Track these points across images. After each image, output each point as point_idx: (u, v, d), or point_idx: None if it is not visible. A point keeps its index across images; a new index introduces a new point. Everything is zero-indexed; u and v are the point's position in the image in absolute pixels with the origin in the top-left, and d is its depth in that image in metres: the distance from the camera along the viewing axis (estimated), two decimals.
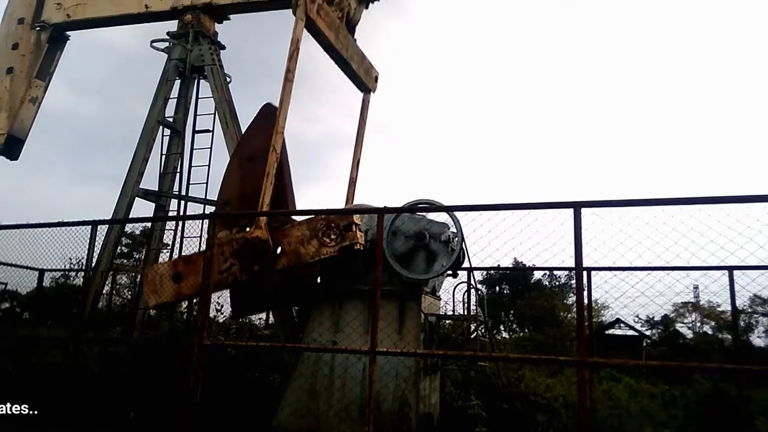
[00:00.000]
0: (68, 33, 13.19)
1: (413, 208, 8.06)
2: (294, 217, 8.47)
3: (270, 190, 8.11)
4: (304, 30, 8.80)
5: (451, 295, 9.22)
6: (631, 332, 24.34)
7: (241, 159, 9.18)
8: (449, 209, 7.66)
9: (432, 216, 8.23)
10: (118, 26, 12.58)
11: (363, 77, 11.18)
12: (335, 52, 10.02)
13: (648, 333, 26.77)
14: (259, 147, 8.83)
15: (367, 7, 10.54)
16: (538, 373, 11.84)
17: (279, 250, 8.03)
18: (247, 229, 8.18)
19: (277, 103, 8.57)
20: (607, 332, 23.48)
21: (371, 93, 11.84)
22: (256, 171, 8.53)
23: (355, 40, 10.62)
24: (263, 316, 12.88)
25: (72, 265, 15.82)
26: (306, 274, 8.51)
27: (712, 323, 26.48)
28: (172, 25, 11.94)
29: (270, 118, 8.91)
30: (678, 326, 27.89)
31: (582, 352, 5.52)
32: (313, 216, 7.96)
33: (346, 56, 10.28)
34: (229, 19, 12.04)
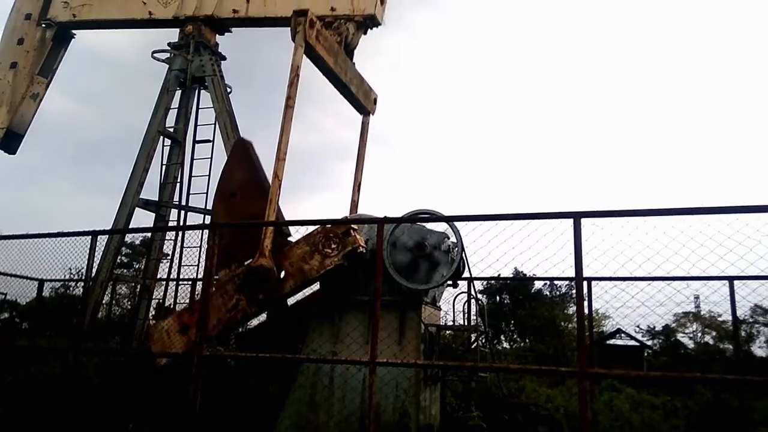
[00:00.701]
0: (74, 32, 13.30)
1: (413, 218, 8.06)
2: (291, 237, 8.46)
3: (273, 216, 8.03)
4: (303, 55, 8.79)
5: (452, 306, 9.20)
6: (632, 342, 24.27)
7: (224, 196, 9.05)
8: (449, 219, 7.66)
9: (432, 226, 8.22)
10: (121, 29, 12.79)
11: (362, 100, 11.15)
12: (334, 76, 10.01)
13: (649, 343, 26.67)
14: (238, 182, 8.83)
15: (365, 33, 10.47)
16: (539, 383, 11.80)
17: (282, 273, 7.95)
18: (246, 263, 8.10)
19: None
20: (608, 342, 23.41)
21: (371, 115, 11.78)
22: (240, 207, 8.55)
23: (354, 63, 10.60)
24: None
25: (72, 275, 15.81)
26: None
27: (714, 333, 26.38)
28: (173, 36, 12.03)
29: (245, 151, 8.96)
30: (679, 336, 27.79)
31: (583, 362, 5.50)
32: (310, 232, 7.91)
33: (345, 80, 10.28)
34: (230, 31, 12.14)
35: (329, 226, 7.81)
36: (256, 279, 7.81)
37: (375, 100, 11.70)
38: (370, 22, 10.28)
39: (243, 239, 8.37)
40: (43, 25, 12.89)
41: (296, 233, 8.29)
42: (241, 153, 9.25)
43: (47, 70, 13.23)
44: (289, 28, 8.79)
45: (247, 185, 8.83)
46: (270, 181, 8.36)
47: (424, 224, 8.23)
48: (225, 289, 8.00)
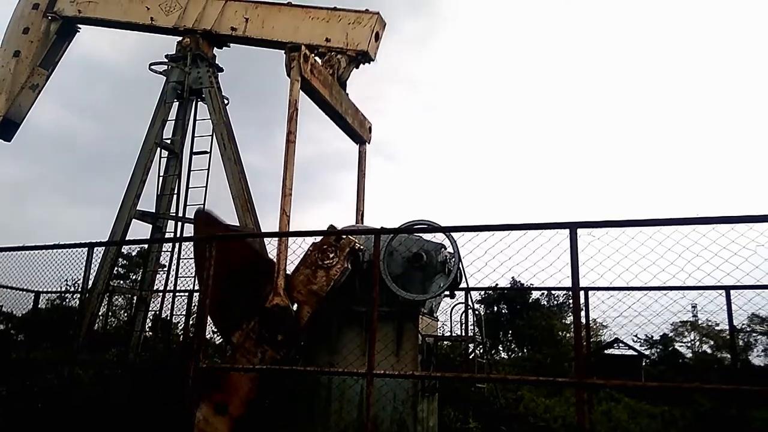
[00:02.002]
0: (79, 26, 13.38)
1: (410, 228, 8.07)
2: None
3: (285, 260, 7.78)
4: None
5: (449, 316, 9.20)
6: (630, 352, 24.27)
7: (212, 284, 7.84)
8: (446, 230, 7.66)
9: (429, 236, 8.23)
10: (123, 30, 12.85)
11: (358, 129, 11.13)
12: (330, 108, 9.99)
13: (647, 352, 26.67)
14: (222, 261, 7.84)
15: (357, 67, 10.46)
16: (537, 393, 11.77)
17: (294, 306, 7.76)
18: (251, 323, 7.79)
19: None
20: (606, 352, 23.40)
21: (367, 144, 11.75)
22: (229, 285, 7.96)
23: (347, 94, 10.63)
24: None
25: (68, 287, 15.76)
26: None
27: (711, 342, 26.39)
28: (171, 46, 12.08)
29: (210, 222, 8.66)
30: (677, 345, 27.80)
31: (580, 373, 5.50)
32: (304, 254, 7.82)
33: (341, 111, 10.27)
34: (228, 46, 12.17)
35: (320, 241, 7.76)
36: (273, 322, 7.50)
37: (370, 129, 11.68)
38: (362, 57, 10.29)
39: (241, 286, 7.98)
40: (49, 18, 12.97)
41: (297, 246, 8.21)
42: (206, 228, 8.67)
43: (48, 62, 13.28)
44: (283, 51, 8.80)
45: (227, 264, 7.96)
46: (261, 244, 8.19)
47: (421, 235, 8.24)
48: (245, 349, 7.62)
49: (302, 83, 8.71)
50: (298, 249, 8.03)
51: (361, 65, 10.53)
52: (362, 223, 11.08)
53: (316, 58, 9.62)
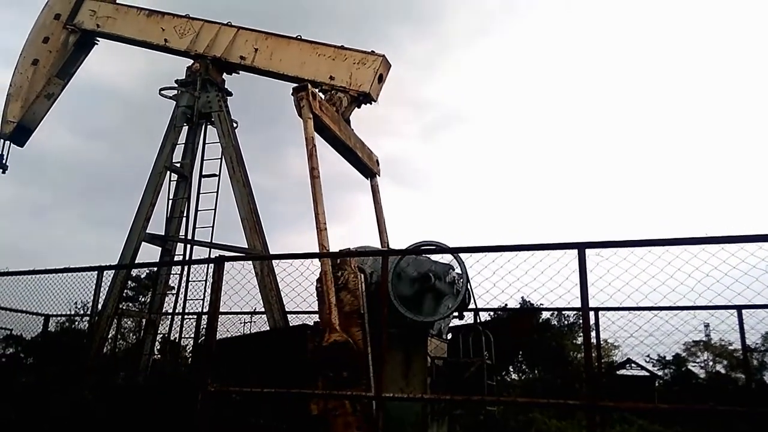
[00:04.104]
0: (97, 39, 13.69)
1: (418, 249, 8.08)
2: None
3: (332, 293, 7.58)
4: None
5: (458, 338, 9.13)
6: (642, 372, 23.95)
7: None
8: (454, 251, 7.67)
9: (436, 257, 8.23)
10: (137, 48, 13.16)
11: (368, 162, 11.25)
12: (341, 143, 10.11)
13: (660, 373, 26.29)
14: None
15: (359, 107, 10.59)
16: (548, 415, 11.62)
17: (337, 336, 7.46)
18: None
19: None
20: (618, 372, 23.10)
21: (377, 176, 11.83)
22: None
23: (352, 129, 10.71)
24: None
25: (77, 310, 15.80)
26: None
27: (725, 362, 25.99)
28: (179, 73, 12.27)
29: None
30: (690, 365, 27.39)
31: (592, 395, 5.45)
32: (318, 295, 7.73)
33: (351, 145, 10.42)
34: (238, 73, 12.34)
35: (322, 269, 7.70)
36: (336, 360, 7.15)
37: (378, 161, 11.77)
38: (363, 98, 10.40)
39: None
40: (69, 29, 13.28)
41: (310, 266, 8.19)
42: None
43: (65, 73, 13.56)
44: (290, 83, 8.94)
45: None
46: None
47: (429, 256, 8.24)
48: (334, 413, 7.12)
49: (313, 120, 8.83)
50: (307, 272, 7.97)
51: (363, 105, 10.61)
52: None
53: (320, 95, 9.72)
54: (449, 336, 9.07)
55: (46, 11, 13.52)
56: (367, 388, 6.99)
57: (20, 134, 13.35)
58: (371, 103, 10.53)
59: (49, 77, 13.22)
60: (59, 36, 13.27)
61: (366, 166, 11.32)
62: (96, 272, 9.38)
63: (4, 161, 13.52)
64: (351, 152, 10.60)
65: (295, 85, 9.21)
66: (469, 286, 7.82)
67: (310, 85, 8.98)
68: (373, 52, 10.54)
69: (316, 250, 8.00)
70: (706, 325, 11.59)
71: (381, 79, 10.53)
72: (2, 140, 13.44)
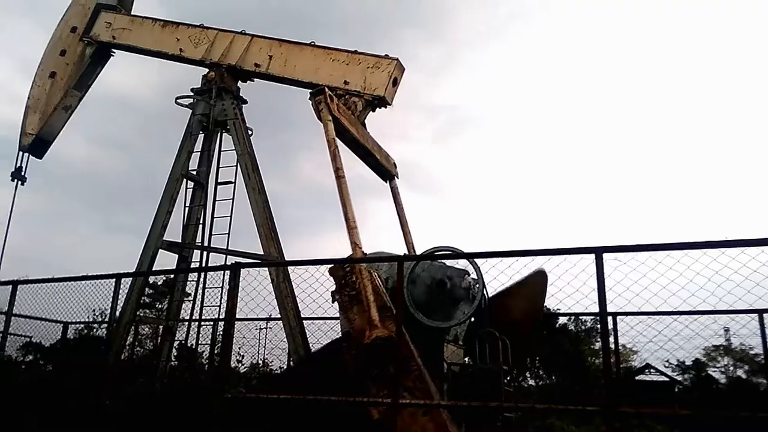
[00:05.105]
0: (113, 51, 13.90)
1: (433, 255, 8.06)
2: None
3: (370, 290, 7.55)
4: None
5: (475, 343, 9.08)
6: (662, 378, 23.63)
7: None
8: (469, 256, 7.63)
9: (451, 263, 8.20)
10: (153, 58, 13.35)
11: (386, 165, 11.31)
12: (360, 145, 10.17)
13: (679, 378, 25.93)
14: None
15: (373, 110, 10.64)
16: (567, 421, 11.51)
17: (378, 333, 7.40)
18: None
19: None
20: (637, 378, 22.81)
21: (396, 179, 11.85)
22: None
23: (369, 133, 10.77)
24: (284, 364, 12.83)
25: (95, 317, 15.96)
26: None
27: (746, 367, 25.58)
28: (194, 82, 12.41)
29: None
30: (710, 371, 26.99)
31: (610, 401, 5.39)
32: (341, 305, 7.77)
33: (369, 147, 10.49)
34: (252, 81, 12.45)
35: (336, 284, 7.68)
36: (380, 357, 7.03)
37: (395, 164, 11.80)
38: (378, 102, 10.46)
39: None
40: (85, 42, 13.49)
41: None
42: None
43: (82, 85, 13.78)
44: (305, 89, 8.98)
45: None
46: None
47: (444, 261, 8.21)
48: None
49: (333, 122, 8.88)
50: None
51: (378, 109, 10.66)
52: (414, 252, 10.98)
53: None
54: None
55: (62, 25, 13.75)
56: (419, 373, 6.98)
57: (39, 146, 13.59)
58: (386, 107, 10.56)
59: (66, 89, 13.43)
60: (76, 48, 13.50)
61: (384, 168, 11.35)
62: (114, 279, 9.48)
63: (23, 173, 13.73)
64: (370, 155, 10.65)
65: (312, 90, 9.29)
66: (484, 291, 7.77)
67: (326, 85, 9.04)
68: (386, 56, 10.58)
69: (332, 255, 8.07)
70: (726, 330, 11.42)
71: (395, 83, 10.56)
72: (21, 152, 13.67)
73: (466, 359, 8.72)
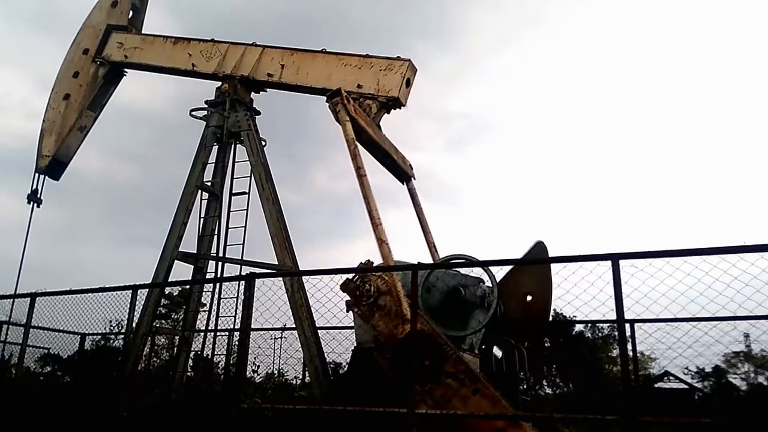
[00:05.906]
0: (125, 70, 14.06)
1: (447, 263, 8.04)
2: None
3: (400, 284, 7.59)
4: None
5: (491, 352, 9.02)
6: (681, 385, 23.30)
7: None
8: (484, 264, 7.60)
9: (466, 271, 8.17)
10: (166, 75, 13.51)
11: (402, 166, 11.30)
12: (377, 146, 10.18)
13: (699, 385, 25.55)
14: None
15: (388, 112, 10.64)
16: (584, 430, 11.35)
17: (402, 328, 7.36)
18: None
19: None
20: (656, 386, 22.52)
21: (413, 180, 11.81)
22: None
23: (385, 135, 10.78)
24: (299, 374, 12.88)
25: (112, 328, 16.09)
26: None
27: (767, 373, 25.14)
28: (208, 94, 12.53)
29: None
30: (731, 378, 26.55)
31: (629, 409, 5.32)
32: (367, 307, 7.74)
33: (387, 148, 10.51)
34: (265, 91, 12.54)
35: (350, 296, 7.68)
36: (416, 346, 6.85)
37: (411, 166, 11.79)
38: (393, 103, 10.45)
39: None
40: (98, 62, 13.66)
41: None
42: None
43: (96, 105, 13.93)
44: (318, 96, 9.03)
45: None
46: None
47: (458, 269, 8.18)
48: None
49: (351, 123, 8.93)
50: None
51: (392, 110, 10.66)
52: (437, 255, 10.88)
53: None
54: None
55: (74, 47, 13.94)
56: (456, 357, 6.97)
57: (55, 168, 13.72)
58: (400, 108, 10.57)
59: (80, 110, 13.60)
60: (89, 69, 13.67)
61: (401, 169, 11.35)
62: (130, 291, 9.56)
63: (39, 195, 13.88)
64: (387, 155, 10.66)
65: (327, 94, 9.36)
66: (500, 300, 7.73)
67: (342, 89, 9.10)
68: (398, 57, 10.60)
69: (345, 264, 8.07)
70: (746, 336, 11.23)
71: (409, 84, 10.58)
72: (38, 175, 13.83)
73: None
